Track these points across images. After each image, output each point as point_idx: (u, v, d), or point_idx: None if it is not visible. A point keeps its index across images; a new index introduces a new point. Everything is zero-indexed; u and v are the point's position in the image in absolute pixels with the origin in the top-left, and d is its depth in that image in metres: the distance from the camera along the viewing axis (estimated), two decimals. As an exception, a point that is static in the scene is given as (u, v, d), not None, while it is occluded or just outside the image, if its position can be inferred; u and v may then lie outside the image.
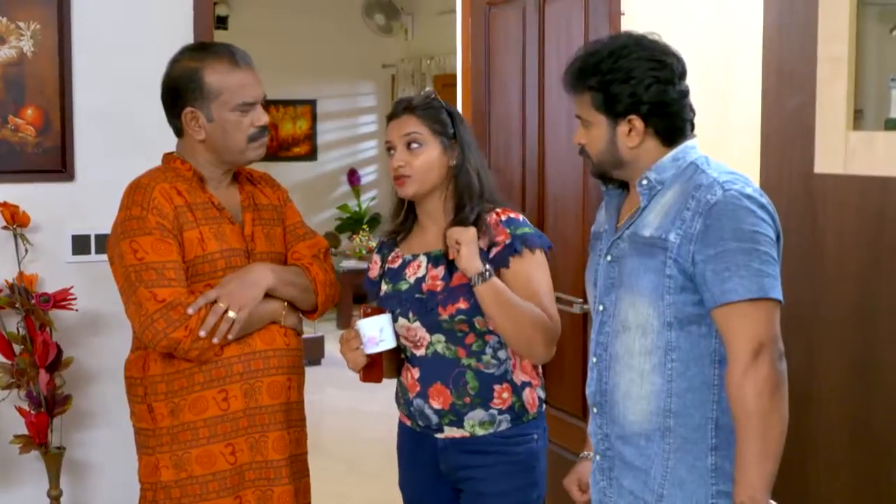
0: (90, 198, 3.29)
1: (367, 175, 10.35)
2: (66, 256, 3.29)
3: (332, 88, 10.01)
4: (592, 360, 2.18)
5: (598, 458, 2.19)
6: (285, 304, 2.54)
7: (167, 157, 2.58)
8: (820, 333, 2.60)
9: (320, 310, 2.63)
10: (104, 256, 3.25)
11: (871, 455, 2.50)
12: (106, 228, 3.25)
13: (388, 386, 2.59)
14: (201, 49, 2.57)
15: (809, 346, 2.57)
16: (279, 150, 9.68)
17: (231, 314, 2.41)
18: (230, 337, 2.42)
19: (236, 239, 2.52)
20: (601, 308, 2.16)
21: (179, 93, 2.49)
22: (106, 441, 3.35)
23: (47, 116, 3.24)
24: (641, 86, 2.04)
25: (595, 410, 2.18)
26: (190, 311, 2.38)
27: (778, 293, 1.96)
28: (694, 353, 2.03)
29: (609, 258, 2.14)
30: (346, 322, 8.37)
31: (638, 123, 2.06)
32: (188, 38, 3.31)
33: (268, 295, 2.49)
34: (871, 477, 2.50)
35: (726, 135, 2.95)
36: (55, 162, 3.25)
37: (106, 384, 3.32)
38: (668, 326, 2.03)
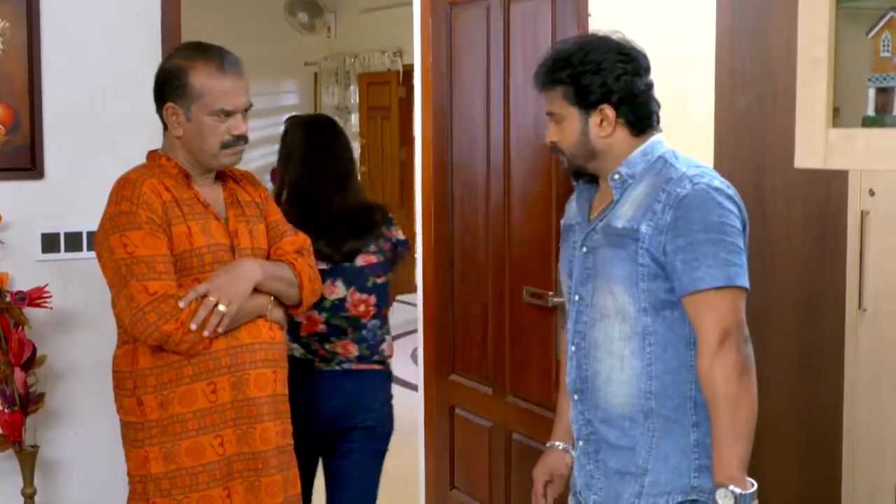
0: (59, 196, 3.29)
1: (291, 174, 10.29)
2: (36, 254, 3.28)
3: (254, 86, 9.63)
4: (571, 349, 2.23)
5: (581, 443, 2.25)
6: (272, 298, 2.57)
7: (152, 155, 2.60)
8: (769, 323, 2.69)
9: (304, 304, 2.67)
10: (74, 254, 3.29)
11: (817, 437, 2.63)
12: (75, 226, 3.29)
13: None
14: (195, 49, 2.58)
15: (759, 335, 2.70)
16: (202, 148, 9.59)
17: (221, 307, 2.43)
18: (220, 330, 2.45)
19: (222, 234, 2.55)
20: (577, 298, 2.21)
21: (164, 87, 2.52)
22: (78, 439, 3.35)
23: (16, 114, 3.22)
24: (611, 76, 2.12)
25: (576, 398, 2.23)
26: (181, 304, 2.40)
27: (744, 281, 2.05)
28: (669, 336, 2.11)
29: (584, 249, 2.20)
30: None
31: (609, 112, 2.14)
32: (156, 38, 3.34)
33: (254, 289, 2.52)
34: (817, 458, 2.63)
35: (680, 132, 3.08)
36: (24, 160, 3.23)
37: (76, 382, 3.32)
38: (644, 312, 2.10)
